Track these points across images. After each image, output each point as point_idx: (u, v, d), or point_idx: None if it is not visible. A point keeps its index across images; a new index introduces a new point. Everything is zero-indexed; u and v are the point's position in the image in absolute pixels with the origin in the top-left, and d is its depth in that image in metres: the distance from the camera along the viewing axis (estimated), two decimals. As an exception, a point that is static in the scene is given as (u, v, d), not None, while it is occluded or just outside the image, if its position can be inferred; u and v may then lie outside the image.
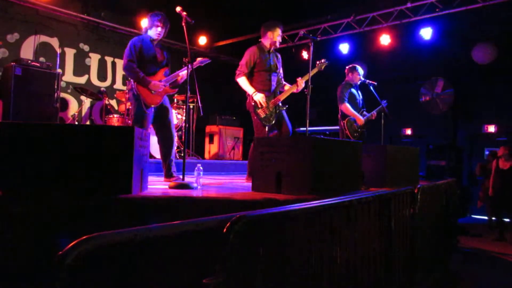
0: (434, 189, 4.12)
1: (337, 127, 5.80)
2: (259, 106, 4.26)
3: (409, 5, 7.56)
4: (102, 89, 7.69)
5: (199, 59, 4.04)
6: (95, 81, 8.05)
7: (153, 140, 6.46)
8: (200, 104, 3.73)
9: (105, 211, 2.31)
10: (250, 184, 3.10)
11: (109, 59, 8.26)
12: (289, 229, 1.69)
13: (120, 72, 8.43)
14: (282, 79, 4.60)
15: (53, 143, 2.38)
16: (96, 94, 7.08)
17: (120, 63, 8.37)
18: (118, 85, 8.39)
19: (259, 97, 4.26)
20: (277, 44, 4.50)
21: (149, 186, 2.92)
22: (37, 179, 2.35)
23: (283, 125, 4.42)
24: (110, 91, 8.01)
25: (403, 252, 3.00)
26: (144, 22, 4.07)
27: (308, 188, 2.66)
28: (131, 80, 3.87)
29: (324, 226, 1.94)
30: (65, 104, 7.52)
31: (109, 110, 7.20)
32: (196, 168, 3.44)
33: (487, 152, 8.20)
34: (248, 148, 4.47)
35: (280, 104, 4.40)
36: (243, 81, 4.38)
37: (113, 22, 8.12)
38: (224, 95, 9.91)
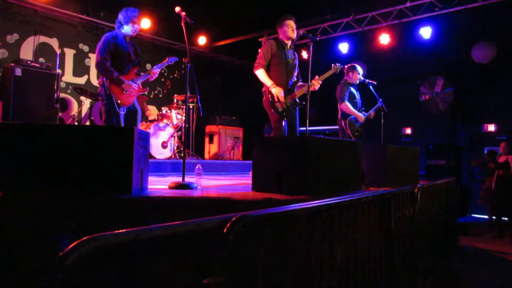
0: (434, 189, 4.13)
1: (337, 127, 5.80)
2: (276, 100, 4.19)
3: (408, 4, 7.56)
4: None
5: (168, 58, 4.13)
6: (94, 81, 8.04)
7: (153, 141, 6.47)
8: (199, 104, 3.72)
9: (105, 211, 2.31)
10: (250, 184, 3.10)
11: (108, 60, 8.25)
12: (289, 229, 1.69)
13: (119, 73, 8.42)
14: (299, 75, 4.55)
15: (53, 143, 2.38)
16: (95, 95, 7.07)
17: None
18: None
19: (277, 91, 4.19)
20: (294, 36, 4.43)
21: (149, 187, 2.92)
22: (37, 179, 2.35)
23: (292, 127, 4.37)
24: (110, 92, 8.00)
25: (403, 252, 3.00)
26: (118, 16, 4.02)
27: (308, 188, 2.66)
28: (103, 77, 3.84)
29: (324, 226, 1.94)
30: (65, 104, 7.52)
31: (109, 110, 7.19)
32: (196, 168, 3.44)
33: (487, 151, 8.21)
34: (248, 148, 4.46)
35: (298, 100, 4.34)
36: (261, 73, 4.29)
37: (113, 22, 8.03)
38: (224, 95, 9.92)
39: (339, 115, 5.61)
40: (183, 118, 6.94)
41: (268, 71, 4.32)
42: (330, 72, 4.58)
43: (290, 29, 4.39)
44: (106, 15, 8.03)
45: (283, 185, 2.76)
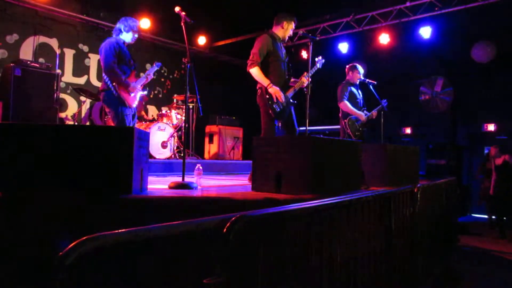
0: (434, 188, 4.12)
1: (337, 127, 5.80)
2: (275, 100, 3.97)
3: (408, 4, 7.56)
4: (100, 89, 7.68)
5: (155, 62, 4.39)
6: (94, 81, 8.05)
7: (153, 140, 6.46)
8: (199, 104, 3.72)
9: (105, 211, 2.31)
10: (250, 184, 3.10)
11: (108, 60, 8.24)
12: (289, 228, 1.69)
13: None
14: (291, 71, 4.35)
15: (52, 144, 2.38)
16: (95, 95, 7.07)
17: (119, 63, 8.36)
18: (118, 85, 8.37)
19: (275, 91, 3.95)
20: (287, 38, 4.31)
21: (148, 186, 2.92)
22: (37, 180, 2.35)
23: (291, 125, 4.20)
24: (110, 92, 8.00)
25: (403, 251, 3.00)
26: (119, 24, 4.22)
27: (308, 187, 2.66)
28: (108, 82, 3.94)
29: (324, 225, 1.94)
30: (64, 104, 7.52)
31: (108, 110, 7.19)
32: (196, 168, 3.44)
33: (486, 151, 8.21)
34: (248, 148, 4.45)
35: (291, 100, 4.15)
36: (256, 72, 4.01)
37: (113, 22, 8.06)
38: (223, 95, 9.92)
39: (340, 115, 5.61)
40: (183, 118, 6.94)
41: (265, 68, 4.07)
42: (315, 67, 4.44)
43: (291, 30, 4.28)
44: (105, 15, 8.03)
45: (283, 185, 2.76)
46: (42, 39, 7.28)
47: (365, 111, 5.64)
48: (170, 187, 3.03)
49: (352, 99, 5.55)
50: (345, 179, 3.11)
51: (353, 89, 5.61)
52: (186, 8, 3.51)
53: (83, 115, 7.77)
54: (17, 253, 2.17)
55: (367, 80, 5.61)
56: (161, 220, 1.29)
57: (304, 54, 9.18)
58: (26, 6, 6.99)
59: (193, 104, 7.59)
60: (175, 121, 7.01)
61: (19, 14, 6.98)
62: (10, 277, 2.14)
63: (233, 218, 1.28)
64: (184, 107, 7.09)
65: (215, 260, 1.22)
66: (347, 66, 5.72)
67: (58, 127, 3.02)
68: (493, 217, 6.95)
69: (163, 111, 7.42)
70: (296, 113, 4.36)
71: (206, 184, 3.77)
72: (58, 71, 6.48)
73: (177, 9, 3.42)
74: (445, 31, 8.02)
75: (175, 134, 6.82)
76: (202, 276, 1.19)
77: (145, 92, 4.46)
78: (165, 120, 6.98)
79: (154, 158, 6.38)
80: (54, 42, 7.43)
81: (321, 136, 6.12)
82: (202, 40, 9.47)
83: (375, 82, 5.62)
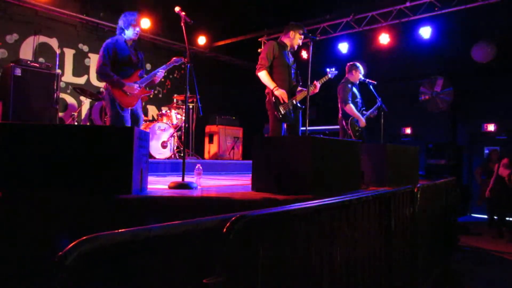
0: (434, 188, 4.13)
1: (337, 127, 5.79)
2: (281, 101, 4.19)
3: (408, 4, 7.56)
4: (101, 89, 7.68)
5: (174, 58, 4.11)
6: (94, 81, 8.05)
7: (153, 141, 6.47)
8: (199, 104, 3.72)
9: (105, 211, 2.31)
10: (250, 183, 3.10)
11: (108, 60, 8.24)
12: (289, 229, 1.69)
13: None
14: (299, 78, 4.55)
15: (52, 143, 2.38)
16: (95, 95, 7.08)
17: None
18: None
19: (280, 93, 4.19)
20: (295, 47, 4.48)
21: (148, 186, 2.92)
22: (37, 179, 2.35)
23: (295, 129, 4.37)
24: (110, 92, 8.00)
25: (403, 252, 3.00)
26: (119, 22, 4.13)
27: (308, 187, 2.66)
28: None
29: (324, 225, 1.94)
30: (64, 104, 7.52)
31: (108, 110, 7.19)
32: (195, 168, 3.44)
33: (486, 151, 8.21)
34: (248, 148, 4.46)
35: (298, 104, 4.35)
36: (264, 75, 4.26)
37: (112, 22, 8.08)
38: (224, 95, 9.92)
39: (340, 115, 5.61)
40: (183, 118, 6.94)
41: (270, 73, 4.30)
42: (327, 77, 4.64)
43: (299, 39, 4.42)
44: (105, 15, 8.03)
45: (283, 185, 2.76)
46: (42, 39, 7.28)
47: (363, 112, 5.64)
48: (170, 187, 3.03)
49: (353, 99, 5.55)
50: (345, 179, 3.11)
51: (354, 89, 5.61)
52: (186, 8, 3.51)
53: (83, 115, 7.77)
54: (16, 253, 2.18)
55: (367, 80, 5.60)
56: (161, 220, 1.29)
57: (304, 54, 9.18)
58: (26, 6, 6.99)
59: (193, 104, 7.59)
60: (175, 121, 7.01)
61: (19, 14, 6.98)
62: (10, 277, 2.14)
63: (233, 218, 1.28)
64: (184, 107, 7.10)
65: (215, 260, 1.22)
66: (348, 65, 5.71)
67: (58, 127, 3.02)
68: (495, 217, 6.93)
69: (163, 111, 7.43)
70: (301, 114, 4.43)
71: (206, 184, 3.77)
72: (58, 71, 6.48)
73: (177, 9, 3.42)
74: (445, 31, 8.02)
75: (175, 134, 6.82)
76: (201, 276, 1.19)
77: (150, 94, 4.31)
78: (165, 120, 6.98)
79: (154, 158, 6.38)
80: (54, 42, 7.43)
81: (321, 136, 6.12)
82: (202, 40, 9.47)
83: (375, 82, 5.61)
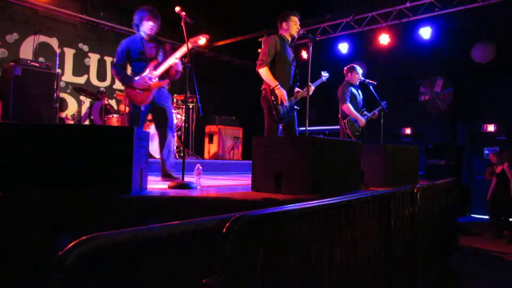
0: (434, 189, 4.12)
1: (337, 127, 5.80)
2: (279, 102, 4.05)
3: (408, 4, 7.56)
4: (101, 89, 7.70)
5: (192, 39, 3.84)
6: (94, 81, 8.05)
7: (153, 141, 6.46)
8: (199, 104, 3.72)
9: (105, 211, 2.31)
10: (249, 184, 3.10)
11: (108, 59, 8.25)
12: (288, 229, 1.69)
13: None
14: (298, 77, 4.43)
15: (52, 143, 2.38)
16: (95, 94, 7.08)
17: (119, 63, 8.37)
18: (118, 85, 8.37)
19: (281, 93, 4.03)
20: (296, 34, 4.29)
21: (148, 186, 2.92)
22: (36, 179, 2.35)
23: (293, 131, 4.28)
24: (110, 91, 8.01)
25: (403, 252, 3.00)
26: (135, 20, 4.04)
27: (308, 187, 2.66)
28: None
29: (324, 226, 1.94)
30: (64, 104, 7.52)
31: (108, 110, 7.20)
32: (195, 168, 3.44)
33: (486, 152, 8.21)
34: (248, 148, 4.44)
35: (295, 106, 4.26)
36: (265, 72, 4.08)
37: (112, 22, 8.12)
38: (223, 95, 9.91)
39: (340, 115, 5.62)
40: (183, 118, 6.94)
41: (271, 69, 4.13)
42: (320, 80, 4.59)
43: (295, 26, 4.25)
44: (105, 15, 8.03)
45: (282, 185, 2.76)
46: (42, 38, 7.28)
47: (365, 112, 5.65)
48: (170, 187, 3.03)
49: (353, 100, 5.56)
50: (345, 179, 3.11)
51: (354, 90, 5.61)
52: (186, 8, 3.51)
53: (82, 114, 7.77)
54: (16, 253, 2.17)
55: (367, 80, 5.61)
56: (160, 220, 1.29)
57: (304, 54, 9.18)
58: (26, 5, 6.99)
59: (193, 104, 7.59)
60: (175, 121, 7.01)
61: (19, 13, 6.98)
62: (10, 277, 2.14)
63: (233, 218, 1.28)
64: (184, 107, 7.09)
65: (215, 260, 1.22)
66: (345, 68, 5.72)
67: (58, 126, 3.02)
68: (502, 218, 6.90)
69: (163, 111, 7.41)
70: (296, 114, 4.39)
71: (206, 184, 3.77)
72: (58, 70, 6.47)
73: (177, 9, 3.42)
74: (445, 31, 8.02)
75: (175, 134, 6.81)
76: (202, 276, 1.19)
77: (164, 84, 3.97)
78: (165, 120, 6.97)
79: (154, 158, 6.37)
80: (54, 42, 7.43)
81: (321, 136, 6.12)
82: (202, 40, 9.46)
83: (375, 83, 5.62)
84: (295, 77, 4.37)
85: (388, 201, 2.71)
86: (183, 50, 3.85)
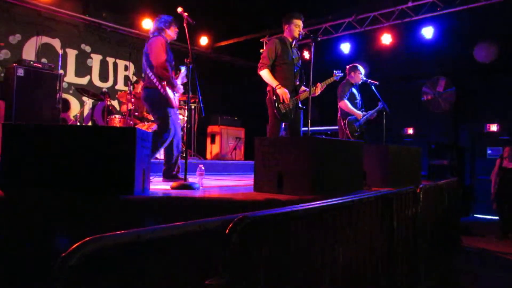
0: (437, 189, 4.11)
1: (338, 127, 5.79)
2: (281, 101, 4.13)
3: (410, 4, 7.54)
4: (104, 89, 7.71)
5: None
6: (96, 82, 8.07)
7: (155, 141, 6.46)
8: (201, 105, 3.72)
9: (107, 212, 2.31)
10: (252, 184, 3.10)
11: (110, 60, 8.27)
12: (291, 229, 1.68)
13: (121, 73, 8.44)
14: (303, 77, 4.47)
15: (54, 144, 2.39)
16: (98, 95, 7.09)
17: (121, 64, 8.39)
18: (120, 85, 8.40)
19: (282, 92, 4.11)
20: (299, 36, 4.31)
21: (151, 187, 2.92)
22: (39, 180, 2.35)
23: (297, 130, 4.32)
24: (112, 92, 8.03)
25: (405, 252, 3.00)
26: (157, 23, 3.97)
27: (310, 188, 2.66)
28: (155, 79, 3.75)
29: (327, 226, 1.94)
30: (67, 105, 7.53)
31: (111, 110, 7.21)
32: (198, 169, 3.44)
33: (489, 151, 8.18)
34: (250, 148, 4.44)
35: (300, 104, 4.29)
36: (266, 74, 4.18)
37: (115, 23, 8.13)
38: (225, 95, 9.92)
39: (339, 115, 5.62)
40: (185, 118, 6.94)
41: (272, 71, 4.21)
42: (331, 79, 4.55)
43: (297, 29, 4.29)
44: (108, 16, 8.05)
45: (285, 185, 2.76)
46: (45, 39, 7.30)
47: (363, 113, 5.64)
48: (172, 188, 3.03)
49: (352, 100, 5.55)
50: (347, 180, 3.10)
51: (354, 90, 5.61)
52: (188, 8, 3.51)
53: (85, 115, 7.79)
54: (19, 253, 2.18)
55: (369, 80, 5.60)
56: (163, 220, 1.29)
57: (306, 55, 9.17)
58: (29, 6, 7.01)
59: (195, 105, 7.60)
60: (177, 122, 7.01)
61: (21, 14, 7.00)
62: (13, 277, 2.14)
63: (236, 219, 1.28)
64: (186, 107, 7.10)
65: (217, 261, 1.22)
66: (348, 66, 5.71)
67: (60, 127, 3.03)
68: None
69: (165, 112, 7.41)
70: (302, 114, 4.39)
71: (208, 184, 3.78)
72: (61, 71, 6.50)
73: (179, 9, 3.42)
74: (447, 31, 8.00)
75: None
76: (204, 277, 1.19)
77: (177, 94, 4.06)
78: (167, 120, 6.97)
79: (156, 158, 6.38)
80: (56, 43, 7.45)
81: (323, 136, 6.12)
82: (204, 40, 9.48)
83: (377, 83, 5.61)
84: (300, 77, 4.41)
85: (391, 201, 2.70)
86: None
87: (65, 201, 2.29)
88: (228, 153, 8.29)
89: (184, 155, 3.35)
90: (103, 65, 8.21)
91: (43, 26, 7.26)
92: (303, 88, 4.39)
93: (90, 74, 8.00)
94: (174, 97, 3.86)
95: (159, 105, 3.79)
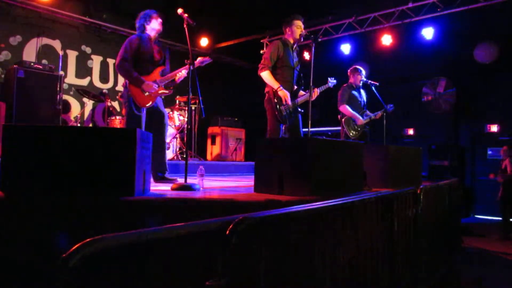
0: (437, 190, 4.11)
1: (339, 128, 5.82)
2: (284, 102, 4.14)
3: (410, 5, 7.55)
4: (104, 91, 7.71)
5: (199, 58, 3.89)
6: (97, 83, 8.08)
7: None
8: (202, 106, 3.72)
9: (108, 213, 2.32)
10: (252, 185, 3.10)
11: (111, 61, 8.28)
12: (291, 230, 1.68)
13: (122, 74, 8.46)
14: (302, 81, 4.50)
15: (55, 145, 2.39)
16: (98, 96, 7.10)
17: (122, 65, 8.39)
18: (120, 87, 8.41)
19: (284, 94, 4.12)
20: (300, 37, 4.33)
21: (151, 188, 2.93)
22: (39, 181, 2.36)
23: (297, 132, 4.34)
24: (112, 93, 8.04)
25: (406, 253, 2.99)
26: (137, 23, 3.99)
27: (311, 189, 2.66)
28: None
29: (327, 227, 1.94)
30: (67, 106, 7.54)
31: (111, 112, 7.22)
32: (198, 170, 3.44)
33: (489, 152, 8.17)
34: (250, 149, 4.45)
35: (299, 108, 4.32)
36: (267, 75, 4.19)
37: (115, 24, 8.15)
38: (226, 97, 9.92)
39: (339, 116, 5.66)
40: (185, 119, 6.94)
41: (273, 73, 4.23)
42: (326, 86, 4.60)
43: (298, 30, 4.29)
44: (108, 17, 8.06)
45: (285, 186, 2.76)
46: (45, 40, 7.31)
47: (367, 112, 5.65)
48: (173, 189, 3.03)
49: (353, 101, 5.57)
50: (347, 181, 3.10)
51: (354, 93, 5.62)
52: (189, 10, 3.51)
53: (85, 116, 7.79)
54: (19, 254, 2.18)
55: (370, 81, 5.61)
56: (163, 221, 1.29)
57: (306, 55, 9.17)
58: (29, 8, 7.03)
59: (196, 106, 7.60)
60: (177, 123, 7.01)
61: (22, 16, 7.02)
62: (13, 278, 2.14)
63: (236, 220, 1.28)
64: (186, 108, 7.10)
65: (218, 262, 1.22)
66: (349, 70, 5.73)
67: (60, 128, 3.03)
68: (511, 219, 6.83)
69: (166, 113, 7.42)
70: (301, 117, 4.41)
71: (209, 185, 3.77)
72: (61, 72, 6.50)
73: (179, 11, 3.42)
74: (447, 32, 8.00)
75: (178, 136, 6.82)
76: (204, 278, 1.19)
77: (169, 93, 3.99)
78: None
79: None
80: (57, 44, 7.46)
81: (324, 137, 6.12)
82: (204, 41, 9.48)
83: (377, 83, 5.62)
84: (299, 81, 4.45)
85: (391, 202, 2.70)
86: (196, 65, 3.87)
87: (65, 202, 2.29)
88: (229, 154, 8.29)
89: (184, 156, 3.35)
90: (104, 66, 8.22)
91: (44, 27, 7.28)
92: (301, 92, 4.41)
93: (91, 75, 8.01)
94: (145, 95, 3.75)
95: (126, 104, 3.78)
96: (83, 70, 7.87)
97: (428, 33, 7.84)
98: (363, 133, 5.58)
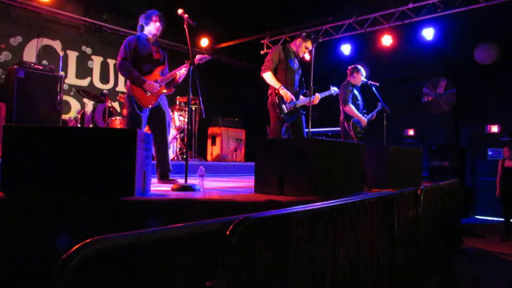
0: (437, 190, 4.11)
1: (339, 128, 5.79)
2: (286, 100, 4.26)
3: (410, 5, 7.54)
4: (104, 91, 7.71)
5: (198, 56, 3.93)
6: (97, 83, 8.08)
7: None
8: (202, 106, 3.72)
9: (108, 213, 2.31)
10: (252, 185, 3.10)
11: (111, 62, 8.28)
12: (292, 231, 1.68)
13: (122, 74, 8.46)
14: (303, 84, 4.62)
15: (55, 145, 2.39)
16: (98, 97, 7.10)
17: (122, 65, 8.40)
18: (121, 87, 8.41)
19: (285, 92, 4.26)
20: (300, 55, 4.57)
21: (151, 188, 2.92)
22: (39, 181, 2.36)
23: (299, 132, 4.42)
24: (113, 94, 8.04)
25: (406, 253, 2.99)
26: (139, 22, 4.00)
27: (311, 189, 2.66)
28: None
29: (327, 227, 1.94)
30: (67, 106, 7.54)
31: (111, 112, 7.22)
32: (198, 170, 3.44)
33: (490, 152, 8.17)
34: (251, 149, 4.47)
35: (301, 109, 4.44)
36: (269, 76, 4.35)
37: (115, 24, 8.15)
38: (226, 97, 9.93)
39: (342, 117, 5.60)
40: (186, 120, 6.95)
41: (275, 75, 4.37)
42: (329, 93, 4.76)
43: (305, 50, 4.53)
44: (108, 18, 8.07)
45: (286, 187, 2.76)
46: (46, 41, 7.31)
47: (365, 114, 5.65)
48: (173, 189, 3.03)
49: (354, 101, 5.55)
50: (348, 181, 3.10)
51: (355, 92, 5.61)
52: (189, 10, 3.52)
53: (86, 117, 7.80)
54: (19, 255, 2.18)
55: (370, 81, 5.60)
56: (163, 222, 1.29)
57: (306, 56, 9.17)
58: (30, 8, 7.03)
59: (196, 106, 7.60)
60: (177, 123, 7.02)
61: (22, 16, 7.02)
62: (13, 279, 2.14)
63: (236, 221, 1.28)
64: (186, 109, 7.10)
65: (218, 263, 1.22)
66: (349, 68, 5.71)
67: (61, 129, 3.03)
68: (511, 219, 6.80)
69: (166, 113, 7.42)
70: (304, 119, 4.46)
71: (209, 186, 3.77)
72: (61, 73, 6.50)
73: (180, 11, 3.43)
74: (448, 32, 8.00)
75: (178, 136, 6.82)
76: (205, 279, 1.19)
77: (170, 93, 3.99)
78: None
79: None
80: (57, 44, 7.47)
81: (324, 138, 6.12)
82: (204, 42, 9.48)
83: (378, 84, 5.61)
84: (300, 84, 4.55)
85: (392, 202, 2.70)
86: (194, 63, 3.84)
87: (65, 202, 2.29)
88: (229, 155, 8.29)
89: (184, 156, 3.35)
90: (104, 66, 8.22)
91: (44, 28, 7.28)
92: (301, 97, 4.52)
93: (91, 75, 8.01)
94: (147, 95, 3.77)
95: (128, 104, 3.80)
96: (83, 70, 7.87)
97: (428, 33, 7.83)
98: (363, 134, 5.58)
